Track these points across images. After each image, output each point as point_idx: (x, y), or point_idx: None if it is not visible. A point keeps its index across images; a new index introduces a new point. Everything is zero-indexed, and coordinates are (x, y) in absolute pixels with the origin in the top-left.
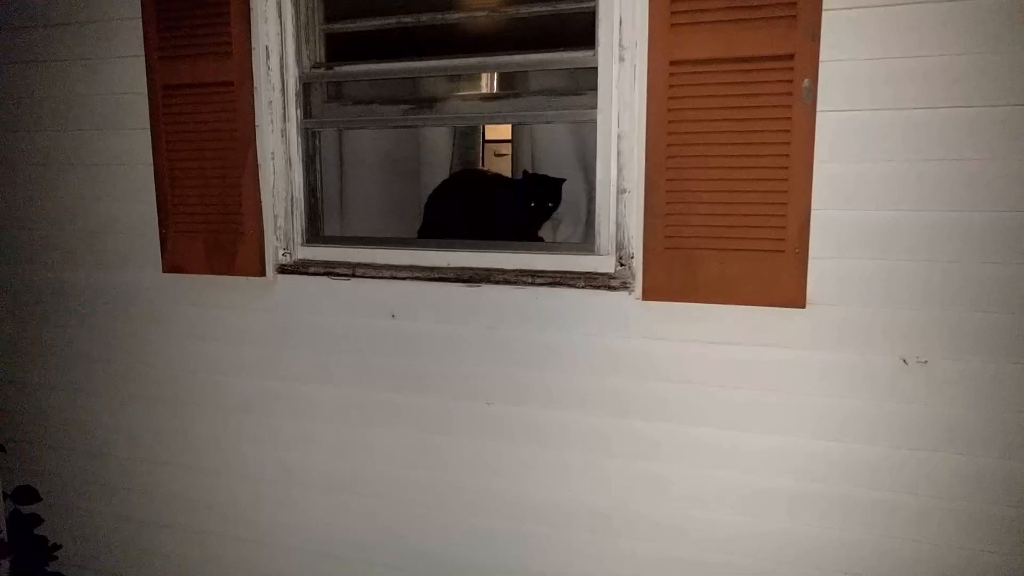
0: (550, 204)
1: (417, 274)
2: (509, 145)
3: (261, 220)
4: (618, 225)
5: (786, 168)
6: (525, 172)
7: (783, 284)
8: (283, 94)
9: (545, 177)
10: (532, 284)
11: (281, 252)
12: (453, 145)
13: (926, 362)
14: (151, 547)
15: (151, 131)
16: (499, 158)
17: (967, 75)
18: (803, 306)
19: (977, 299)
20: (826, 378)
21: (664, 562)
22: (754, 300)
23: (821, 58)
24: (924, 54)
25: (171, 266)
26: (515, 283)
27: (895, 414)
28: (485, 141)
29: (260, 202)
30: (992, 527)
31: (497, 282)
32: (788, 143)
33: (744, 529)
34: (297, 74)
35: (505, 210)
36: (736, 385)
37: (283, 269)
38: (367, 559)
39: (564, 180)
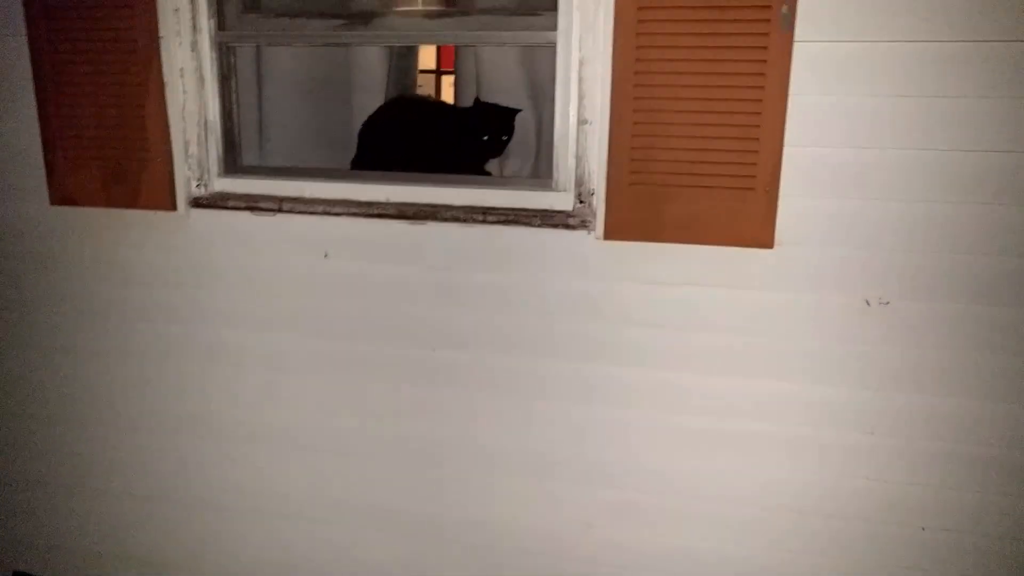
0: (504, 137)
1: (353, 209)
2: (430, 76)
3: (170, 146)
4: (578, 159)
5: (760, 101)
6: (477, 100)
7: (752, 223)
8: (192, 1)
9: (498, 106)
10: (483, 222)
11: (195, 183)
12: (389, 68)
13: (888, 303)
14: (65, 512)
15: (28, 36)
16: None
17: (949, 8)
18: (771, 247)
19: (939, 240)
20: (791, 320)
21: (622, 507)
22: (722, 240)
23: None
24: None
25: (61, 198)
26: (464, 220)
27: (857, 355)
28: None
29: (168, 125)
30: (948, 465)
31: (444, 219)
32: (763, 74)
33: (706, 471)
34: None
35: (452, 141)
36: (699, 328)
37: (197, 203)
38: (298, 512)
39: (520, 110)
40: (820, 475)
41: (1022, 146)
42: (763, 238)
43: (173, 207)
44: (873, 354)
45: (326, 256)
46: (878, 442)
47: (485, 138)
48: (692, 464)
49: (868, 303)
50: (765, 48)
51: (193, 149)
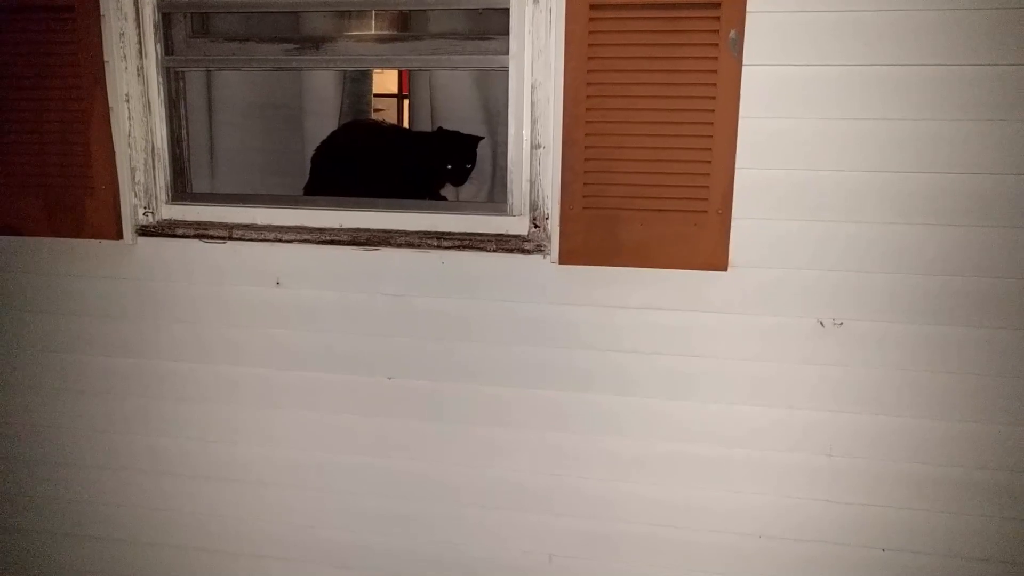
0: (468, 165)
1: (305, 236)
2: (392, 101)
3: (115, 173)
4: (532, 183)
5: (711, 124)
6: (440, 128)
7: (706, 247)
8: (138, 24)
9: (460, 134)
10: (438, 247)
11: (142, 211)
12: (343, 93)
13: (841, 324)
14: (7, 554)
15: None
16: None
17: (897, 31)
18: (725, 269)
19: (892, 261)
20: (746, 342)
21: (583, 536)
22: (676, 263)
23: (748, 8)
24: (856, 8)
25: (2, 227)
26: (419, 246)
27: (812, 376)
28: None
29: (113, 152)
30: (906, 485)
31: (399, 245)
32: (713, 97)
33: (665, 496)
34: (155, 1)
35: (411, 167)
36: (655, 351)
37: (144, 231)
38: (254, 552)
39: (482, 138)
40: (779, 498)
41: (973, 167)
42: (717, 261)
43: (119, 236)
44: (828, 375)
45: (278, 284)
46: (836, 463)
47: (449, 167)
48: (651, 490)
49: (822, 324)
50: (715, 72)
51: (140, 176)
